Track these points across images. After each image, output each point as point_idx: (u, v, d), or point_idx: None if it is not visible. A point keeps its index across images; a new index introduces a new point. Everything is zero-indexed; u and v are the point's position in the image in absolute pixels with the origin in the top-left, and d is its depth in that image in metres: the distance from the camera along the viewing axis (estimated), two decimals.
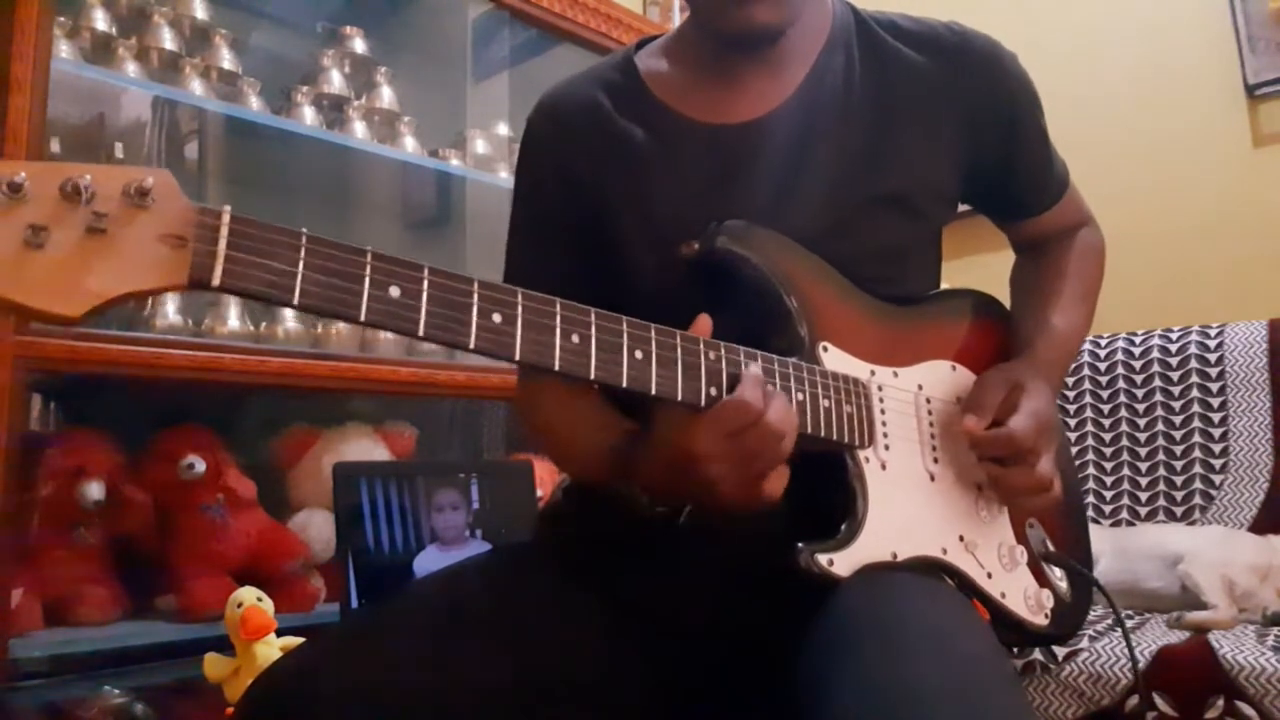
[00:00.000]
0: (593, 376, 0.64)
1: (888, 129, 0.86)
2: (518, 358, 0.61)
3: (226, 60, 1.84)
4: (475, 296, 0.60)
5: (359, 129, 1.99)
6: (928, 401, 0.86)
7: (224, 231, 0.53)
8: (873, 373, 0.82)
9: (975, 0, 2.56)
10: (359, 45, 2.12)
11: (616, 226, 0.87)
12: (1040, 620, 0.85)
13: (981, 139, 0.89)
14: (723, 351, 0.70)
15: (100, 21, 1.70)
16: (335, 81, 2.03)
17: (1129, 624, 1.53)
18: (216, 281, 0.52)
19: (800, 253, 0.82)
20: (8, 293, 0.47)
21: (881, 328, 0.85)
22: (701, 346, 0.69)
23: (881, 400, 0.81)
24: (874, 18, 0.90)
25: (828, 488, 0.78)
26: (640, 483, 0.75)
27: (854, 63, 0.88)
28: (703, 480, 0.67)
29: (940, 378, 0.88)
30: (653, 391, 0.67)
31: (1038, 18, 2.48)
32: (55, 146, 1.40)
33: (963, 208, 0.95)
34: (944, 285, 0.97)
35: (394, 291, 0.58)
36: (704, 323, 0.71)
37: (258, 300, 0.55)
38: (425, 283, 0.59)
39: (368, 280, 0.57)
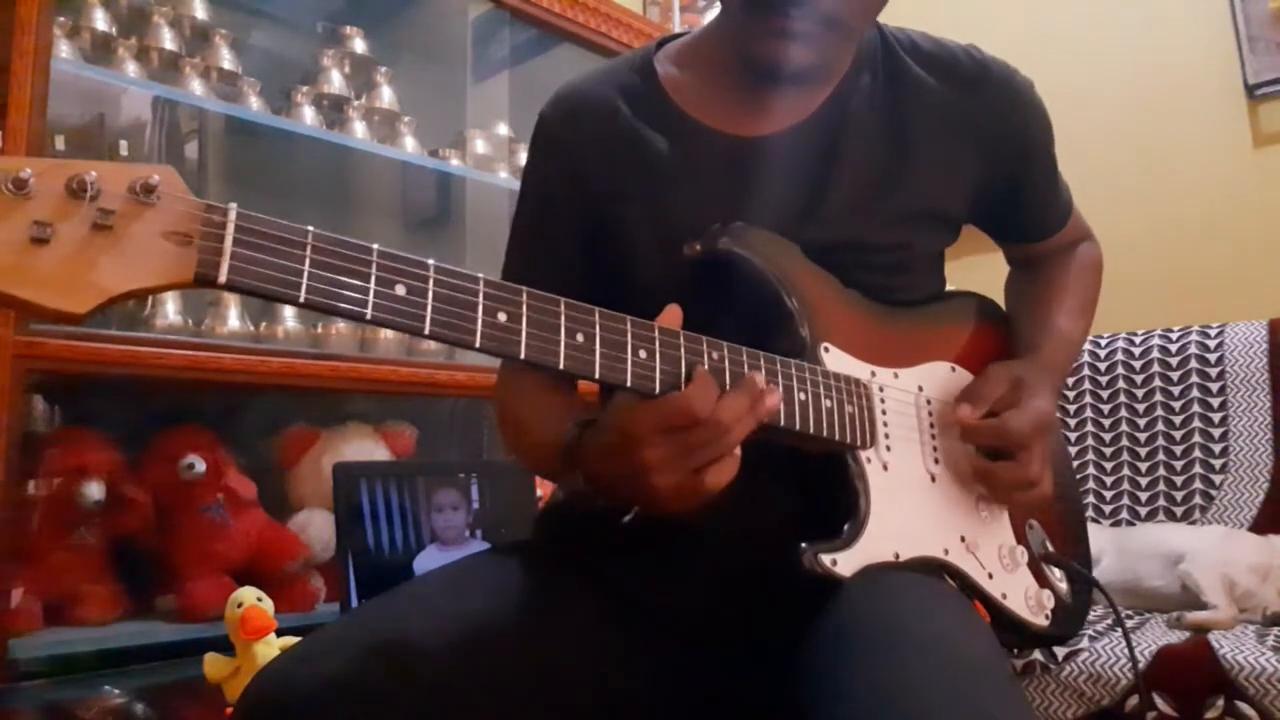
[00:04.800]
0: (597, 376, 0.64)
1: (904, 153, 0.86)
2: (523, 357, 0.61)
3: (226, 60, 1.84)
4: (481, 295, 0.60)
5: (359, 129, 1.99)
6: (928, 403, 0.86)
7: (230, 229, 0.52)
8: (873, 373, 0.82)
9: (975, 1, 2.60)
10: (359, 45, 2.12)
11: (628, 233, 0.86)
12: (1041, 621, 0.86)
13: (992, 166, 0.89)
14: (725, 352, 0.70)
15: (100, 21, 1.70)
16: (335, 81, 2.03)
17: (1129, 624, 1.53)
18: (223, 279, 0.51)
19: (801, 257, 0.82)
20: (14, 289, 0.46)
21: (881, 329, 0.85)
22: (705, 347, 0.69)
23: (883, 401, 0.81)
24: (896, 37, 0.90)
25: (830, 488, 0.78)
26: (584, 470, 0.73)
27: (878, 85, 0.87)
28: (638, 465, 0.64)
29: (940, 379, 0.88)
30: (656, 391, 0.66)
31: (1038, 18, 2.48)
32: (61, 144, 1.40)
33: None
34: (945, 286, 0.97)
35: (400, 290, 0.57)
36: (674, 312, 0.69)
37: (263, 298, 0.54)
38: (431, 280, 0.58)
39: (373, 278, 0.56)
